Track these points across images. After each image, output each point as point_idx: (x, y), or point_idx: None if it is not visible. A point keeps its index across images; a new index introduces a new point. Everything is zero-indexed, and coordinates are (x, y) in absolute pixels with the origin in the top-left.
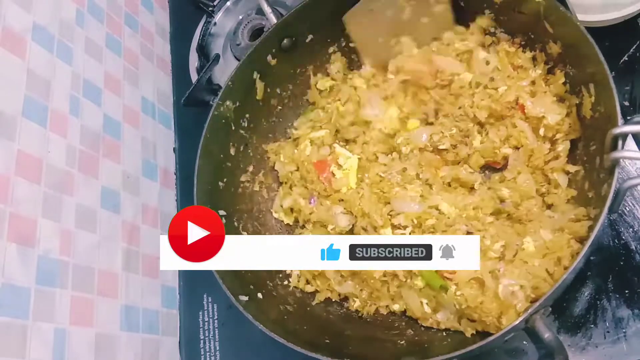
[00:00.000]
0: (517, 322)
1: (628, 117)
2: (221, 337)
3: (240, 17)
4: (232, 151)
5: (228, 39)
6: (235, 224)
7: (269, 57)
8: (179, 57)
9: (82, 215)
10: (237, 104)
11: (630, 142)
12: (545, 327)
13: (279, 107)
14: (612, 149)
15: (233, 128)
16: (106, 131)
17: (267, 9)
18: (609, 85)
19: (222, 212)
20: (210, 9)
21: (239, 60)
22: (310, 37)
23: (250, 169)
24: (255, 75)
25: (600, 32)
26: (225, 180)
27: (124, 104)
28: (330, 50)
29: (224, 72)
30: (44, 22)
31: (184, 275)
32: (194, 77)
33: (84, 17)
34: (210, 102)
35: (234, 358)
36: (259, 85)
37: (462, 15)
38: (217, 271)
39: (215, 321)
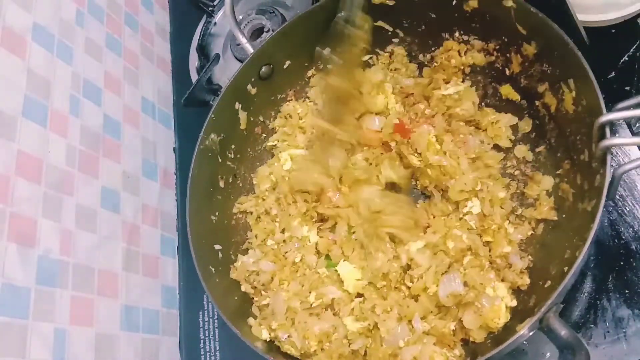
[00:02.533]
0: (532, 321)
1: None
2: (221, 337)
3: (240, 17)
4: (222, 184)
5: (228, 39)
6: (232, 257)
7: (249, 87)
8: (179, 57)
9: (82, 215)
10: (222, 136)
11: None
12: (561, 325)
13: (264, 135)
14: (600, 138)
15: (220, 160)
16: (106, 131)
17: (242, 40)
18: (588, 77)
19: (217, 247)
20: (210, 9)
21: (239, 60)
22: (287, 63)
23: (241, 199)
24: (237, 105)
25: (600, 32)
26: (217, 213)
27: (124, 104)
28: (309, 73)
29: (224, 72)
30: (44, 22)
31: (184, 275)
32: (194, 77)
33: (84, 17)
34: (211, 102)
35: (234, 358)
36: (242, 115)
37: (434, 26)
38: (216, 303)
39: (216, 321)
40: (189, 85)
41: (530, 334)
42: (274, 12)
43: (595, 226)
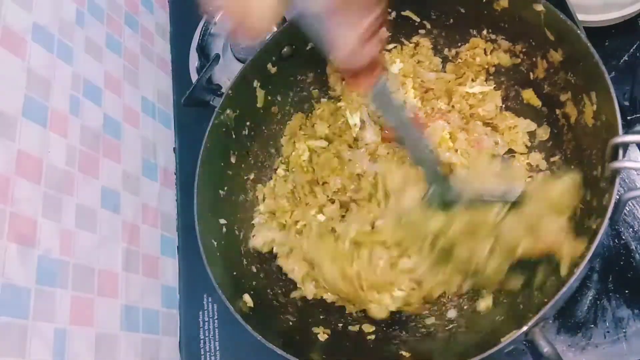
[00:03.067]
0: (517, 335)
1: (629, 118)
2: (221, 337)
3: None
4: (233, 159)
5: (228, 39)
6: (237, 232)
7: (269, 65)
8: (179, 57)
9: (82, 215)
10: (238, 112)
11: (636, 152)
12: (544, 341)
13: (280, 115)
14: (612, 159)
15: (234, 136)
16: (106, 131)
17: None
18: (610, 94)
19: (222, 221)
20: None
21: (239, 60)
22: (310, 44)
23: (251, 176)
24: (256, 83)
25: (600, 32)
26: (225, 188)
27: (124, 103)
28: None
29: (224, 72)
30: (44, 22)
31: (184, 275)
32: (194, 77)
33: (84, 17)
34: (211, 102)
35: (234, 358)
36: (260, 94)
37: (463, 22)
38: (214, 277)
39: (216, 321)
40: (189, 85)
41: (512, 347)
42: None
43: (594, 246)
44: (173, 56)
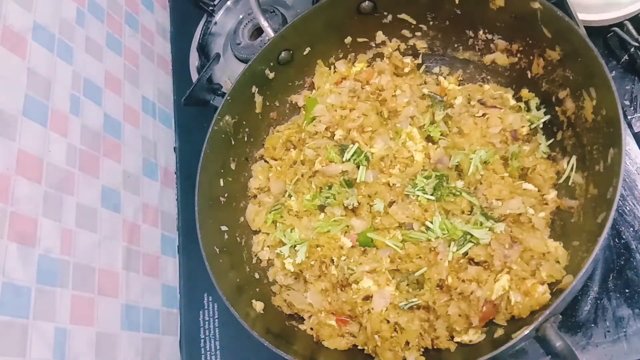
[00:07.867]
0: (527, 331)
1: (629, 117)
2: (221, 336)
3: (241, 17)
4: (233, 166)
5: (228, 38)
6: (238, 238)
7: (267, 71)
8: (180, 57)
9: (83, 214)
10: (237, 118)
11: (631, 142)
12: (557, 336)
13: (278, 119)
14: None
15: (233, 143)
16: (107, 130)
17: (264, 24)
18: (610, 89)
19: (224, 228)
20: (210, 8)
21: (239, 59)
22: (307, 49)
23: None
24: (254, 89)
25: (600, 32)
26: (226, 195)
27: (124, 103)
28: (328, 61)
29: (224, 71)
30: (44, 22)
31: (185, 274)
32: (194, 76)
33: (85, 16)
34: (211, 102)
35: (234, 357)
36: (258, 99)
37: (459, 23)
38: (219, 285)
39: (216, 320)
40: (189, 85)
41: (523, 343)
42: (274, 11)
43: (602, 239)
44: (173, 55)
